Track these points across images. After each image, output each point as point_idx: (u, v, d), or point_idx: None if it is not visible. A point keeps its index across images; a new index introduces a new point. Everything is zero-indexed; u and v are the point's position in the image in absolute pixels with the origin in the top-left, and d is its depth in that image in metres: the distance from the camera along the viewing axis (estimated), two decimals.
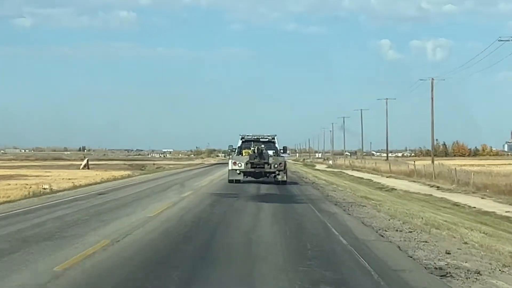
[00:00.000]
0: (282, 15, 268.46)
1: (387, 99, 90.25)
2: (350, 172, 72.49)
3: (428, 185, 46.24)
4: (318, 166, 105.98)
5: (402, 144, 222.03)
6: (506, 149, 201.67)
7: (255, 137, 40.73)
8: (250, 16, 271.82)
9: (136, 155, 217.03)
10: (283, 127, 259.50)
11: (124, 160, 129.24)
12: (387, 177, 59.07)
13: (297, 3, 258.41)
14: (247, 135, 41.08)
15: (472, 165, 71.57)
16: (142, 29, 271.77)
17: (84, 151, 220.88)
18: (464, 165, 63.60)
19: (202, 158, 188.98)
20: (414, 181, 51.44)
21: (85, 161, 79.08)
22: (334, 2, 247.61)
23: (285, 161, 39.13)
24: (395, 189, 41.38)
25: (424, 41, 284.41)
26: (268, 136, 41.00)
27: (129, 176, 51.70)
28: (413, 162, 64.43)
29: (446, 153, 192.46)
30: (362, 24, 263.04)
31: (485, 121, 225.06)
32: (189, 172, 65.54)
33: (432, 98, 65.80)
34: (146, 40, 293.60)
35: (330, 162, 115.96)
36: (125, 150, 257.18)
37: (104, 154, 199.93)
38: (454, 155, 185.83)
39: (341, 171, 78.05)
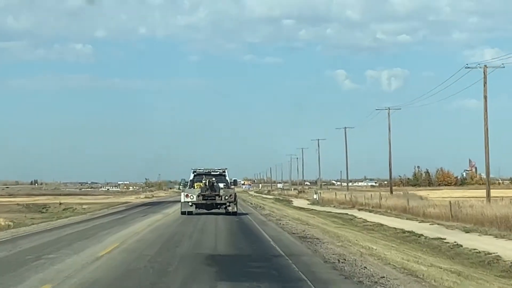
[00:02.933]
0: (239, 46, 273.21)
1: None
2: (371, 218, 44.81)
3: None
4: (296, 202, 79.29)
5: (360, 173, 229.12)
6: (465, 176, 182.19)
7: (207, 171, 42.09)
8: (208, 47, 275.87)
9: (88, 188, 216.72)
10: (241, 158, 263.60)
11: (50, 194, 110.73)
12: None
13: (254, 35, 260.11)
14: (199, 169, 42.32)
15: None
16: (97, 61, 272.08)
17: (35, 184, 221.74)
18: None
19: (151, 191, 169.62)
20: None
21: None
22: (290, 33, 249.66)
23: (235, 193, 41.03)
24: None
25: (379, 71, 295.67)
26: (219, 169, 42.41)
27: None
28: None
29: (429, 182, 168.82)
30: (318, 54, 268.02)
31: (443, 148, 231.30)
32: (98, 220, 39.53)
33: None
34: (102, 72, 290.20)
35: (315, 196, 79.16)
36: (79, 183, 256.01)
37: (55, 188, 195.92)
38: (439, 184, 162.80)
39: (353, 216, 47.53)
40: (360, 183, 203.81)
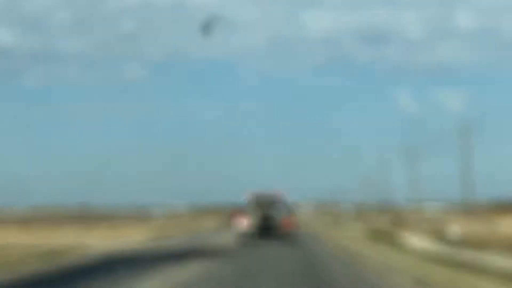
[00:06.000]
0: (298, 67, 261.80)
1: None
2: None
3: None
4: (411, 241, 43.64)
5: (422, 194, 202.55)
6: None
7: (263, 194, 40.26)
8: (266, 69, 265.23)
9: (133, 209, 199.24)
10: (298, 180, 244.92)
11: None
12: None
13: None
14: (255, 192, 40.61)
15: None
16: (152, 84, 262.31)
17: (84, 208, 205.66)
18: None
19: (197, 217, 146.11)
20: None
21: None
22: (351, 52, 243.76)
23: (292, 215, 39.73)
24: None
25: (443, 91, 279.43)
26: (276, 192, 40.55)
27: None
28: None
29: None
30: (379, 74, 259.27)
31: None
32: None
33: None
34: (156, 94, 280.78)
35: (453, 231, 44.41)
36: (136, 206, 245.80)
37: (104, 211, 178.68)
38: None
39: None
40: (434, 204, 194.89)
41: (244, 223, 38.02)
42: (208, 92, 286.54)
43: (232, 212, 67.25)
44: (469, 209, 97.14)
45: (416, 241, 44.17)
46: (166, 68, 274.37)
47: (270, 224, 37.81)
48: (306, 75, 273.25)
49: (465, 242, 39.19)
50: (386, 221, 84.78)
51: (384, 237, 47.56)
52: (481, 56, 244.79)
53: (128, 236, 51.22)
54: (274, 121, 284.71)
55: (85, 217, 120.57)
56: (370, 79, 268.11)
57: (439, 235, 46.44)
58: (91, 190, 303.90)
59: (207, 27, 14.36)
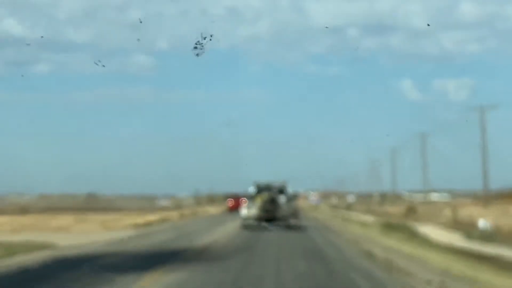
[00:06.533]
0: (302, 56, 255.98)
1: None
2: None
3: None
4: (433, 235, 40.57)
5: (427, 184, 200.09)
6: None
7: (267, 184, 42.07)
8: (270, 58, 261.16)
9: (140, 199, 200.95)
10: (302, 169, 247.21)
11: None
12: None
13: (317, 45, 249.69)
14: (260, 182, 42.44)
15: None
16: (159, 73, 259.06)
17: (92, 197, 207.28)
18: None
19: (200, 206, 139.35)
20: None
21: None
22: (354, 42, 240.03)
23: (296, 207, 41.22)
24: None
25: (446, 81, 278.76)
26: (280, 182, 42.24)
27: None
28: None
29: None
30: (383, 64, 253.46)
31: None
32: None
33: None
34: (163, 84, 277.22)
35: (482, 224, 42.74)
36: (138, 195, 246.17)
37: (109, 200, 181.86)
38: None
39: None
40: (434, 193, 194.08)
41: (248, 210, 39.64)
42: (214, 82, 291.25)
43: (228, 199, 68.54)
44: (476, 199, 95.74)
45: (439, 235, 41.35)
46: (173, 58, 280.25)
47: (273, 212, 39.05)
48: (310, 64, 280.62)
49: (497, 235, 36.68)
50: (396, 212, 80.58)
51: (401, 231, 43.59)
52: (485, 45, 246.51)
53: (118, 228, 47.02)
54: (280, 111, 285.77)
55: (90, 207, 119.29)
56: (375, 68, 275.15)
57: (462, 227, 44.52)
58: (100, 179, 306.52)
59: (200, 46, 13.30)
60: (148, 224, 52.97)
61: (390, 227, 48.47)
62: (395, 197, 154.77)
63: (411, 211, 73.78)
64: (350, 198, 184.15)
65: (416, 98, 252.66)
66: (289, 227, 38.91)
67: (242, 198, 70.33)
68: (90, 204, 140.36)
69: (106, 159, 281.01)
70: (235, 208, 75.48)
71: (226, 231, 40.79)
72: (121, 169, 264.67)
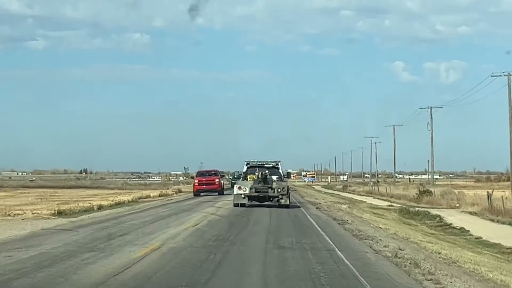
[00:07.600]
0: (297, 37, 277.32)
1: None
2: None
3: None
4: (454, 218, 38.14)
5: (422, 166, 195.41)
6: None
7: (260, 163, 42.54)
8: (265, 38, 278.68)
9: (135, 178, 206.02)
10: (295, 149, 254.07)
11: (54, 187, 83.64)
12: None
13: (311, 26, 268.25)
14: (252, 161, 42.94)
15: None
16: (155, 51, 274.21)
17: (85, 173, 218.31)
18: None
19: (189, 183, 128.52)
20: None
21: None
22: (348, 24, 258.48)
23: (288, 186, 40.92)
24: None
25: (438, 63, 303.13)
26: (272, 162, 42.72)
27: None
28: None
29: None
30: (376, 46, 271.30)
31: None
32: None
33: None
34: (158, 62, 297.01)
35: None
36: (131, 172, 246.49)
37: (101, 177, 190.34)
38: None
39: None
40: (423, 176, 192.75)
41: (240, 189, 39.72)
42: (207, 61, 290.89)
43: (196, 178, 63.60)
44: (479, 181, 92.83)
45: (486, 229, 34.40)
46: (168, 37, 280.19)
47: (265, 191, 39.31)
48: (304, 45, 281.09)
49: None
50: (402, 195, 74.09)
51: (421, 220, 39.70)
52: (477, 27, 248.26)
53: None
54: (274, 92, 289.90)
55: (77, 184, 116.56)
56: (368, 50, 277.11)
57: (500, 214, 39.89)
58: (93, 156, 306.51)
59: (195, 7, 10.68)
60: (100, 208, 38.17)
61: (406, 212, 44.73)
62: (387, 178, 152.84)
63: (424, 194, 66.90)
64: (343, 178, 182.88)
65: (407, 80, 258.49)
66: (281, 206, 38.82)
67: (217, 177, 63.41)
68: (79, 182, 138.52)
69: (99, 135, 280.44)
70: (206, 190, 60.86)
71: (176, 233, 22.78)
72: (114, 146, 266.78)
